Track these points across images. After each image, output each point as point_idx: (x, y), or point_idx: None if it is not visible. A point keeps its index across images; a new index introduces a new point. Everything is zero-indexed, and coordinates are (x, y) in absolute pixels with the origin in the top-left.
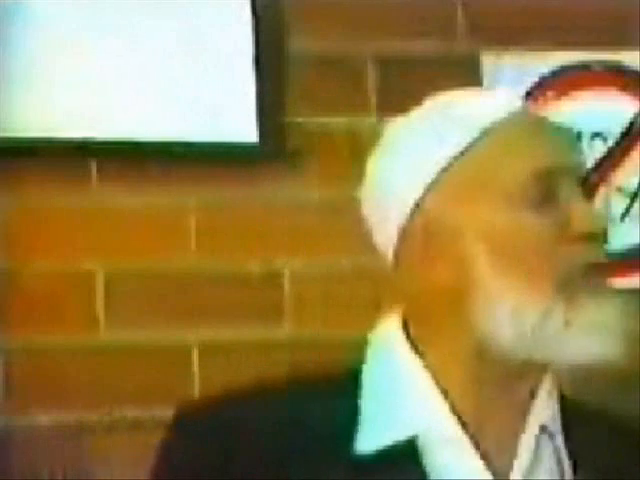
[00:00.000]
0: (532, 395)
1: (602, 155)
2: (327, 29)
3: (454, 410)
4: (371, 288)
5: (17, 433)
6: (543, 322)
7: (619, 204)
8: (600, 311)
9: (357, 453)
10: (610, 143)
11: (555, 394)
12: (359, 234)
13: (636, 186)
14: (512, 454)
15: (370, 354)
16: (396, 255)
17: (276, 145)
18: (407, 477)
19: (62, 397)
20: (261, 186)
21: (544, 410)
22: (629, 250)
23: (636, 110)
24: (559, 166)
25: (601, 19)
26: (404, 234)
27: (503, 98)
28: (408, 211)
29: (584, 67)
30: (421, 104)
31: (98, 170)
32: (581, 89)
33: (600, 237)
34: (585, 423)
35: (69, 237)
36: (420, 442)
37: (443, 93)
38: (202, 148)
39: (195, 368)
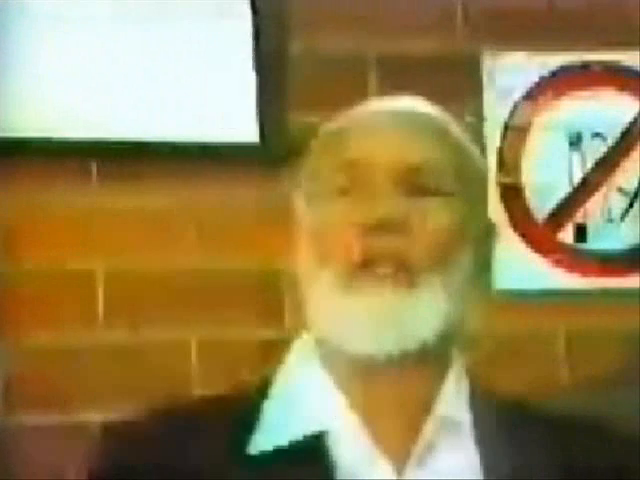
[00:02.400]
0: (433, 387)
1: (602, 155)
2: (327, 29)
3: (352, 404)
4: None
5: (16, 433)
6: (333, 309)
7: (619, 204)
8: (377, 302)
9: (254, 453)
10: (610, 143)
11: (463, 386)
12: None
13: (636, 186)
14: (412, 446)
15: (285, 363)
16: None
17: (276, 145)
18: (308, 473)
19: (62, 397)
20: (261, 186)
21: (449, 401)
22: (629, 250)
23: (636, 110)
24: (371, 157)
25: (601, 19)
26: None
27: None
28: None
29: (584, 67)
30: None
31: (98, 170)
32: (581, 89)
33: (388, 229)
34: (498, 414)
35: (69, 237)
36: (321, 438)
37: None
38: (202, 148)
39: (195, 368)
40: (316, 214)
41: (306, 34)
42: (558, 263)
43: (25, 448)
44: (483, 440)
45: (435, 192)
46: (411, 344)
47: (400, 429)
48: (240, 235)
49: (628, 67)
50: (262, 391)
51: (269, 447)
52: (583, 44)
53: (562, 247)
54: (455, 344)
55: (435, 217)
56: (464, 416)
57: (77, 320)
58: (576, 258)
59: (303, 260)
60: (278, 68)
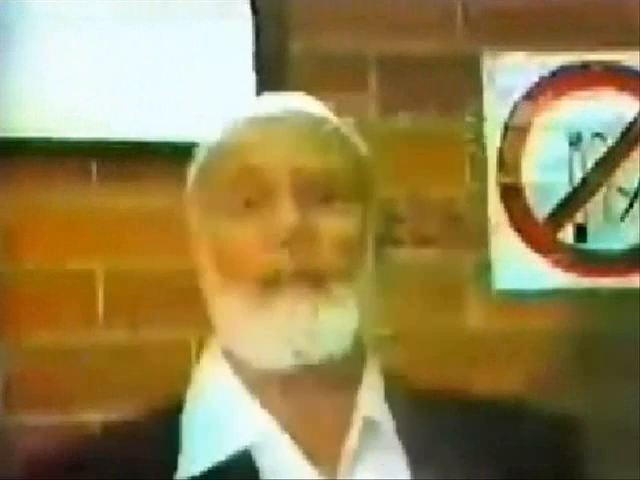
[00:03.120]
0: (353, 390)
1: (602, 155)
2: (327, 29)
3: (273, 414)
4: None
5: (16, 433)
6: (243, 325)
7: (619, 204)
8: (290, 317)
9: (183, 478)
10: (610, 143)
11: (378, 384)
12: None
13: (636, 186)
14: (339, 450)
15: (194, 380)
16: None
17: None
18: None
19: (61, 397)
20: None
21: (369, 402)
22: (629, 250)
23: (636, 110)
24: (273, 166)
25: (601, 19)
26: None
27: (263, 100)
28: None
29: (584, 67)
30: (421, 104)
31: (98, 170)
32: (581, 89)
33: (296, 242)
34: (415, 405)
35: (69, 237)
36: (246, 452)
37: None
38: None
39: (195, 368)
40: (219, 227)
41: (306, 34)
42: (558, 263)
43: (24, 448)
44: (406, 437)
45: (337, 198)
46: (326, 355)
47: (324, 436)
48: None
49: (628, 67)
50: (178, 408)
51: (196, 472)
52: (583, 44)
53: (562, 247)
54: (368, 346)
55: (339, 224)
56: (385, 416)
57: (77, 320)
58: (576, 258)
59: (206, 271)
60: (278, 68)
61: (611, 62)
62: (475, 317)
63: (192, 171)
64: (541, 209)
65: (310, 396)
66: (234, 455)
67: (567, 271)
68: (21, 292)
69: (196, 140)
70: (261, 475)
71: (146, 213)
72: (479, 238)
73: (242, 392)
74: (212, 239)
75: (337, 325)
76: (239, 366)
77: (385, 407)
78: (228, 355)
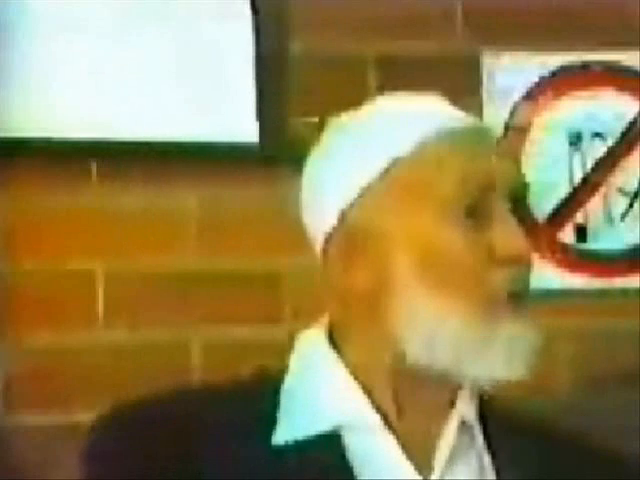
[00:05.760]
0: (454, 392)
1: (602, 155)
2: (327, 29)
3: (374, 403)
4: None
5: (16, 433)
6: (460, 337)
7: (619, 204)
8: (516, 332)
9: (275, 445)
10: (610, 143)
11: (475, 391)
12: None
13: (636, 186)
14: (433, 447)
15: (294, 354)
16: (323, 258)
17: (276, 145)
18: (327, 465)
19: (61, 397)
20: (261, 186)
21: (465, 406)
22: (629, 250)
23: (636, 110)
24: (490, 182)
25: (601, 19)
26: (330, 238)
27: (441, 107)
28: (335, 216)
29: (584, 67)
30: None
31: (98, 170)
32: (581, 89)
33: (524, 261)
34: (502, 421)
35: (69, 237)
36: (341, 433)
37: (390, 96)
38: (202, 148)
39: (195, 368)
40: (437, 232)
41: (306, 34)
42: (558, 263)
43: (24, 448)
44: (492, 446)
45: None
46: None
47: (423, 429)
48: (240, 235)
49: (628, 67)
50: (278, 381)
51: (290, 439)
52: (583, 44)
53: (562, 247)
54: None
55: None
56: (476, 421)
57: (77, 320)
58: (576, 258)
59: (404, 272)
60: (278, 68)
61: (611, 62)
62: None
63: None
64: (541, 209)
65: (412, 386)
66: (325, 432)
67: (567, 271)
68: (21, 292)
69: (196, 140)
70: (349, 455)
71: (146, 213)
72: None
73: (343, 371)
74: (419, 248)
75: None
76: (349, 348)
77: (478, 415)
78: (340, 335)
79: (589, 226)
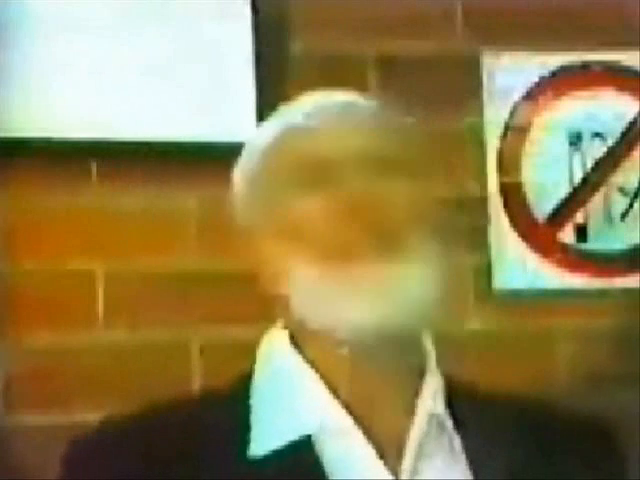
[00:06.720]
0: (419, 383)
1: (602, 155)
2: (327, 29)
3: (343, 403)
4: None
5: (16, 433)
6: (319, 287)
7: (619, 204)
8: (379, 278)
9: (250, 457)
10: (610, 143)
11: (440, 381)
12: None
13: (636, 186)
14: (403, 442)
15: (259, 356)
16: None
17: None
18: (302, 471)
19: (61, 397)
20: None
21: (431, 395)
22: (629, 250)
23: (636, 110)
24: (337, 151)
25: (601, 19)
26: None
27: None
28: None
29: (584, 67)
30: (421, 104)
31: (98, 170)
32: (581, 89)
33: (370, 213)
34: (470, 401)
35: (69, 237)
36: (314, 437)
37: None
38: (202, 148)
39: (195, 368)
40: (288, 205)
41: (306, 34)
42: (558, 263)
43: (24, 448)
44: (466, 437)
45: (393, 171)
46: (401, 316)
47: (392, 426)
48: (240, 235)
49: (628, 67)
50: (246, 387)
51: (266, 450)
52: (583, 44)
53: (562, 247)
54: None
55: (399, 193)
56: (443, 408)
57: (77, 320)
58: (576, 258)
59: (273, 254)
60: (278, 68)
61: (611, 62)
62: (474, 317)
63: (244, 171)
64: (541, 209)
65: (376, 380)
66: (298, 440)
67: (567, 271)
68: (21, 292)
69: (196, 140)
70: (324, 460)
71: (146, 213)
72: (479, 238)
73: (309, 373)
74: (281, 220)
75: (415, 291)
76: (310, 346)
77: (445, 405)
78: (300, 335)
79: (589, 226)
